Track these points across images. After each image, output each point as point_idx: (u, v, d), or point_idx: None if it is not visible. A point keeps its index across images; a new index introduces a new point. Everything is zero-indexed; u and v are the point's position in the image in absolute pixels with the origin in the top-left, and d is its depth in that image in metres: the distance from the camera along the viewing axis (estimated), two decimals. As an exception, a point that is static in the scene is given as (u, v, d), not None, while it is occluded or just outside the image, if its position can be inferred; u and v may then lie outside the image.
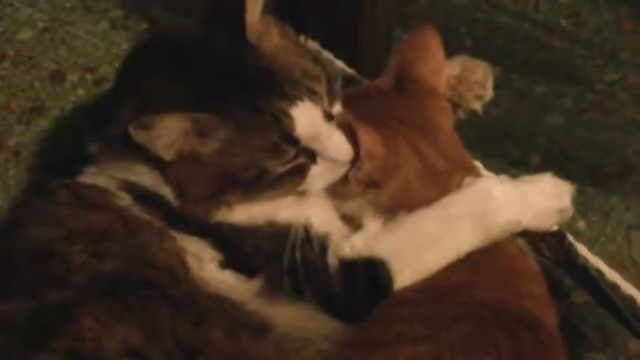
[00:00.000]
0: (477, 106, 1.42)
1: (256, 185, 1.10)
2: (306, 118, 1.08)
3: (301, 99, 1.08)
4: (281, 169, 1.09)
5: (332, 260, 1.13)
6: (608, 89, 1.93)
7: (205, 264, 1.11)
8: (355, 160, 1.14)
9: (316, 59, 1.15)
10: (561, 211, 1.20)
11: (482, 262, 1.16)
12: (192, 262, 1.10)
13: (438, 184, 1.21)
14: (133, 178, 1.12)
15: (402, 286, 1.14)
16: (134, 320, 1.03)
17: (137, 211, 1.11)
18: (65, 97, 1.88)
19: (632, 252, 1.64)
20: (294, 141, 1.08)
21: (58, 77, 1.93)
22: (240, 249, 1.13)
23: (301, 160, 1.10)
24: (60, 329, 1.01)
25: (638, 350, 1.22)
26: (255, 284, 1.12)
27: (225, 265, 1.12)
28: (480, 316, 1.11)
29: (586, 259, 1.31)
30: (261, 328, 1.08)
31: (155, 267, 1.08)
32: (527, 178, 1.23)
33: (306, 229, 1.13)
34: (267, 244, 1.13)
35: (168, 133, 1.04)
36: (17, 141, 1.80)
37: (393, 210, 1.18)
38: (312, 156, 1.11)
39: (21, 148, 1.78)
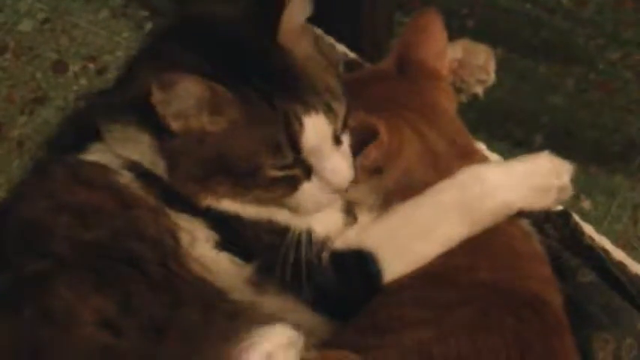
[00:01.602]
0: (479, 90, 1.42)
1: (246, 181, 1.09)
2: (316, 130, 1.07)
3: (317, 111, 1.07)
4: (274, 173, 1.08)
5: (325, 257, 1.13)
6: (611, 68, 1.92)
7: (199, 242, 1.11)
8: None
9: (341, 81, 1.14)
10: (560, 190, 1.19)
11: (482, 244, 1.16)
12: (184, 238, 1.11)
13: (441, 168, 1.21)
14: (135, 156, 1.12)
15: (393, 277, 1.14)
16: (111, 292, 1.04)
17: (135, 188, 1.11)
18: (68, 87, 1.88)
19: (639, 231, 1.64)
20: (296, 148, 1.07)
21: (59, 67, 1.92)
22: (240, 233, 1.13)
23: (296, 172, 1.10)
24: (32, 297, 1.02)
25: (646, 329, 1.23)
26: (248, 270, 1.12)
27: (221, 245, 1.12)
28: (483, 299, 1.11)
29: (592, 239, 1.31)
30: (236, 314, 1.08)
31: (143, 240, 1.08)
32: (525, 157, 1.22)
33: (309, 234, 1.13)
34: (268, 235, 1.13)
35: (187, 96, 1.04)
36: (20, 132, 1.80)
37: (397, 195, 1.18)
38: (308, 172, 1.10)
39: (24, 139, 1.78)
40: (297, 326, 1.09)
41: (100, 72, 1.90)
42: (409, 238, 1.14)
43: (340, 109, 1.10)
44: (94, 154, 1.15)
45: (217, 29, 1.11)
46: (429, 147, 1.22)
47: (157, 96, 1.03)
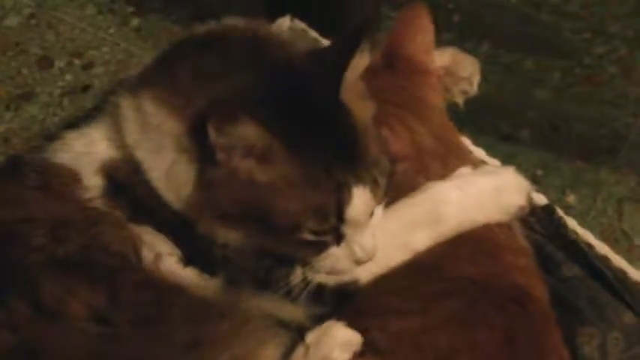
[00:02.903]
0: (460, 100, 1.42)
1: (278, 236, 1.06)
2: (361, 203, 1.05)
3: (364, 184, 1.04)
4: (309, 236, 1.06)
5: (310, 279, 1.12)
6: (597, 62, 1.93)
7: (163, 257, 1.09)
8: None
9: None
10: (520, 208, 1.19)
11: (466, 236, 1.17)
12: (147, 255, 1.09)
13: (430, 164, 1.21)
14: (155, 172, 1.07)
15: (367, 279, 1.14)
16: (99, 286, 1.04)
17: (100, 202, 1.09)
18: (53, 83, 1.88)
19: (624, 225, 1.64)
20: (340, 217, 1.04)
21: (45, 63, 1.92)
22: (208, 255, 1.11)
23: (328, 238, 1.08)
24: (22, 292, 1.02)
25: (632, 322, 1.23)
26: (217, 281, 1.11)
27: (185, 261, 1.10)
28: (469, 292, 1.11)
29: (576, 233, 1.31)
30: (223, 313, 1.07)
31: (109, 253, 1.07)
32: (489, 168, 1.24)
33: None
34: (241, 259, 1.12)
35: (243, 137, 0.99)
36: (6, 128, 1.79)
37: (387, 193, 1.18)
38: (338, 239, 1.09)
39: (10, 135, 1.78)
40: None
41: (86, 67, 1.90)
42: (384, 246, 1.14)
43: (382, 184, 1.08)
44: (68, 154, 1.12)
45: (287, 61, 1.06)
46: (418, 143, 1.23)
47: (213, 127, 0.98)
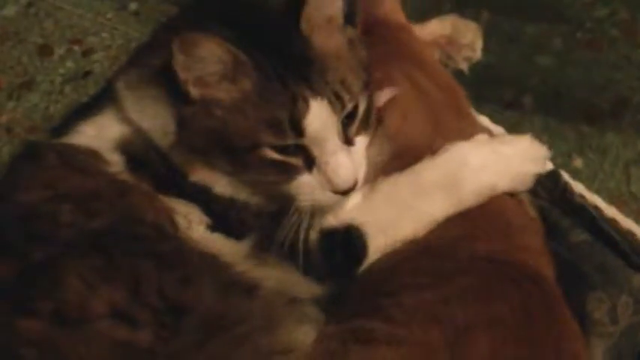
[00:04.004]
0: (464, 66, 1.42)
1: (243, 159, 1.09)
2: (321, 117, 1.07)
3: (322, 96, 1.07)
4: (271, 155, 1.08)
5: (313, 235, 1.13)
6: (599, 26, 1.91)
7: (194, 225, 1.12)
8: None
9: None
10: (537, 177, 1.20)
11: (478, 215, 1.16)
12: (181, 221, 1.11)
13: (434, 113, 1.21)
14: (146, 123, 1.14)
15: (378, 251, 1.14)
16: (120, 279, 1.04)
17: (126, 175, 1.12)
18: (54, 71, 1.87)
19: (632, 187, 1.63)
20: (298, 129, 1.06)
21: (45, 51, 1.91)
22: (231, 218, 1.14)
23: (295, 160, 1.09)
24: (45, 290, 1.02)
25: (641, 284, 1.23)
26: (244, 246, 1.12)
27: (213, 228, 1.12)
28: (483, 270, 1.11)
29: (583, 197, 1.31)
30: (249, 288, 1.09)
31: (144, 223, 1.09)
32: (507, 138, 1.23)
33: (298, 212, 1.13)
34: (252, 219, 1.13)
35: (209, 59, 1.05)
36: (9, 118, 1.79)
37: (396, 141, 1.17)
38: (309, 164, 1.10)
39: (13, 124, 1.78)
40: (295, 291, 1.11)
41: (86, 54, 1.89)
42: (393, 214, 1.14)
43: (349, 102, 1.10)
44: (83, 137, 1.15)
45: (244, 8, 1.14)
46: (421, 91, 1.22)
47: (178, 58, 1.05)
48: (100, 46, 1.90)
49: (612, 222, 1.29)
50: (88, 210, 1.09)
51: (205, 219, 1.14)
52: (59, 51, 1.91)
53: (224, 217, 1.14)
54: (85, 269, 1.04)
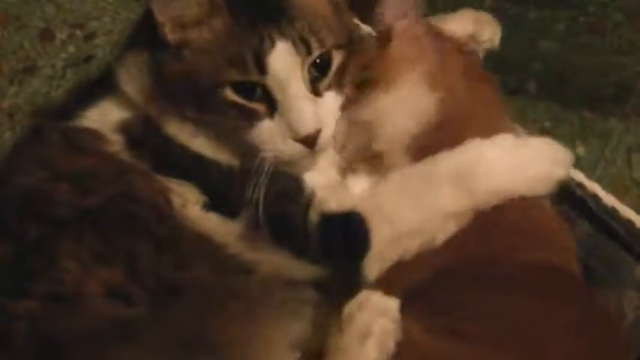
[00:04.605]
0: (481, 55, 1.42)
1: (208, 102, 1.10)
2: (285, 57, 1.09)
3: (287, 39, 1.09)
4: (233, 97, 1.09)
5: (313, 216, 1.13)
6: (602, 11, 1.90)
7: (190, 204, 1.12)
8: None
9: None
10: (558, 181, 1.17)
11: (517, 223, 1.14)
12: (176, 200, 1.12)
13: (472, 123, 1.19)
14: (132, 89, 1.17)
15: (382, 242, 1.13)
16: (116, 260, 1.05)
17: (125, 155, 1.13)
18: (56, 55, 1.87)
19: (634, 173, 1.63)
20: (262, 68, 1.06)
21: (47, 36, 1.91)
22: (224, 192, 1.14)
23: (258, 106, 1.09)
24: (40, 271, 1.03)
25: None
26: (238, 226, 1.13)
27: (209, 207, 1.13)
28: (533, 284, 1.10)
29: (582, 186, 1.30)
30: (246, 269, 1.09)
31: (140, 202, 1.10)
32: (530, 139, 1.20)
33: (299, 185, 1.13)
34: (246, 190, 1.14)
35: (187, 2, 1.08)
36: (10, 103, 1.79)
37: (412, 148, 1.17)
38: (271, 110, 1.10)
39: (15, 109, 1.77)
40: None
41: (88, 38, 1.89)
42: (399, 205, 1.14)
43: (317, 50, 1.11)
44: (86, 121, 1.16)
45: None
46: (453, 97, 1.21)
47: (155, 5, 1.09)
48: (101, 30, 1.90)
49: (612, 211, 1.29)
50: (83, 188, 1.11)
51: (201, 198, 1.15)
52: (61, 35, 1.90)
53: (218, 193, 1.15)
54: (80, 249, 1.05)
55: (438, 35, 1.33)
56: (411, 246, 1.14)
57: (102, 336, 1.01)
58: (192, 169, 1.15)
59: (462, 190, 1.13)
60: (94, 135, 1.17)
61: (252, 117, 1.11)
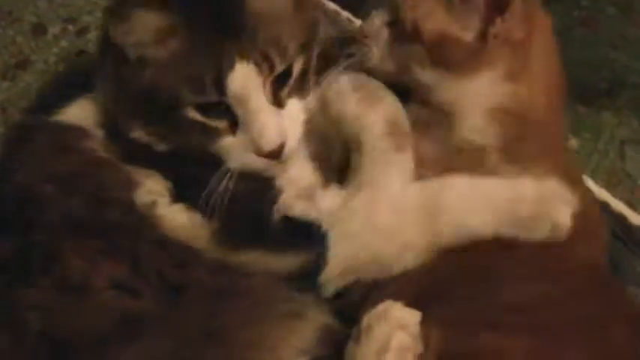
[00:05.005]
0: None
1: (171, 120, 1.10)
2: (245, 76, 1.07)
3: (249, 58, 1.07)
4: (195, 115, 1.08)
5: (277, 214, 1.11)
6: (595, 5, 1.91)
7: (160, 201, 1.12)
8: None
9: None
10: (554, 223, 1.07)
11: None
12: (146, 197, 1.11)
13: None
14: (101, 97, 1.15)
15: (338, 260, 1.09)
16: (118, 256, 1.05)
17: (101, 150, 1.13)
18: (48, 50, 1.86)
19: (627, 166, 1.64)
20: (221, 88, 1.06)
21: (39, 30, 1.90)
22: (191, 191, 1.13)
23: (220, 123, 1.09)
24: (45, 266, 1.03)
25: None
26: (207, 229, 1.12)
27: (176, 197, 1.12)
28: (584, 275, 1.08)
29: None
30: (241, 271, 1.08)
31: (112, 201, 1.09)
32: (519, 182, 1.10)
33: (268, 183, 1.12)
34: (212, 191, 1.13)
35: (139, 25, 1.06)
36: (3, 97, 1.78)
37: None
38: (234, 126, 1.09)
39: (7, 104, 1.77)
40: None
41: (80, 33, 1.88)
42: (363, 226, 1.10)
43: (280, 65, 1.09)
44: (71, 114, 1.16)
45: None
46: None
47: (110, 29, 1.08)
48: (94, 25, 1.89)
49: (604, 205, 1.28)
50: (66, 189, 1.11)
51: (168, 188, 1.14)
52: (53, 30, 1.90)
53: (189, 191, 1.13)
54: (82, 249, 1.05)
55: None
56: (368, 271, 1.10)
57: (112, 328, 1.00)
58: (160, 163, 1.14)
59: (427, 225, 1.08)
60: (79, 131, 1.17)
61: (215, 134, 1.10)
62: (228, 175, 1.10)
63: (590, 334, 1.00)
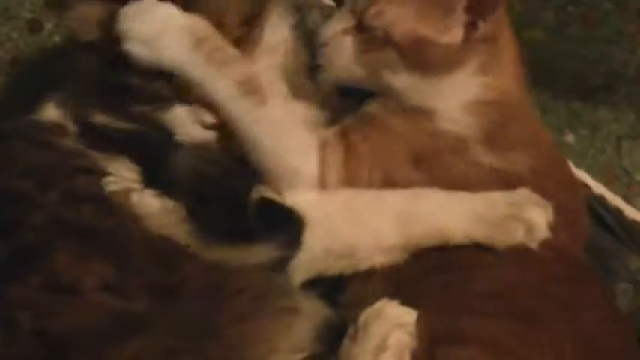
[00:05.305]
0: None
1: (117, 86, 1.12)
2: None
3: None
4: (136, 80, 1.09)
5: (255, 195, 1.10)
6: (591, 0, 1.90)
7: (131, 191, 1.11)
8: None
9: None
10: (528, 226, 1.08)
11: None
12: (114, 187, 1.11)
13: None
14: None
15: (312, 250, 1.09)
16: (106, 257, 1.04)
17: (73, 143, 1.13)
18: (44, 46, 1.86)
19: (623, 161, 1.64)
20: None
21: (35, 26, 1.90)
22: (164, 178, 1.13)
23: (160, 84, 1.09)
24: (34, 265, 1.03)
25: (638, 266, 1.22)
26: (182, 218, 1.11)
27: (145, 182, 1.12)
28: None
29: (571, 174, 1.30)
30: (231, 267, 1.08)
31: (86, 197, 1.09)
32: (493, 195, 1.12)
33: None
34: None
35: (87, 16, 1.12)
36: (-1, 94, 1.79)
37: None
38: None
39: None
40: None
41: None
42: (341, 220, 1.10)
43: None
44: (50, 111, 1.17)
45: None
46: None
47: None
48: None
49: (600, 199, 1.28)
50: (41, 184, 1.11)
51: (138, 175, 1.15)
52: (48, 26, 1.90)
53: (155, 174, 1.14)
54: (71, 248, 1.05)
55: None
56: (336, 265, 1.12)
57: (107, 326, 1.00)
58: (126, 147, 1.15)
59: (401, 229, 1.09)
60: (58, 127, 1.18)
61: (162, 100, 1.12)
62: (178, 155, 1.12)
63: (565, 317, 1.03)
